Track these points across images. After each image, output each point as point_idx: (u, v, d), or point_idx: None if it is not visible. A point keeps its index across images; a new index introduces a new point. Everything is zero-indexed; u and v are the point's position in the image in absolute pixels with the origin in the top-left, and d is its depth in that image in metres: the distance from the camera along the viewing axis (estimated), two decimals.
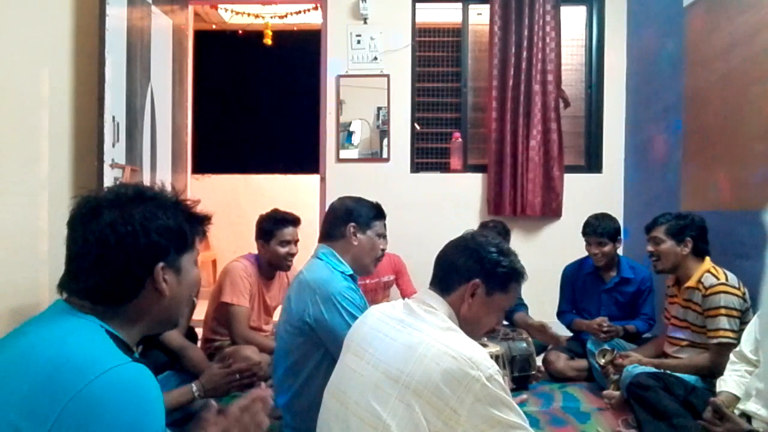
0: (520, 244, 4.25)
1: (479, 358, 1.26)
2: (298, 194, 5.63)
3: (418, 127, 4.42)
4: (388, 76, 4.29)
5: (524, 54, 4.17)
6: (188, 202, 1.11)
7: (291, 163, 5.78)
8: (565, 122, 4.30)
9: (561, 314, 3.38)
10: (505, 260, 1.46)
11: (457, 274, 1.45)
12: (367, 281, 3.55)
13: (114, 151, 2.91)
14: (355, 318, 1.84)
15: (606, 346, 2.81)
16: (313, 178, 4.64)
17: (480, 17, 4.42)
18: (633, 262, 3.27)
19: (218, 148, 5.88)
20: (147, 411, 0.91)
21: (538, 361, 3.17)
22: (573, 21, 4.43)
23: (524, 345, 2.99)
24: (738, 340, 2.18)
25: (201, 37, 5.07)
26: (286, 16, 5.40)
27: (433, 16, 4.54)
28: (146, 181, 3.35)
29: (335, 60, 4.30)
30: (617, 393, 2.49)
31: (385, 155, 4.32)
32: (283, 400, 2.07)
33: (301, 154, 5.30)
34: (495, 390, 1.25)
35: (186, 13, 4.17)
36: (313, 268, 2.06)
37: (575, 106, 4.43)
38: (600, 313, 3.16)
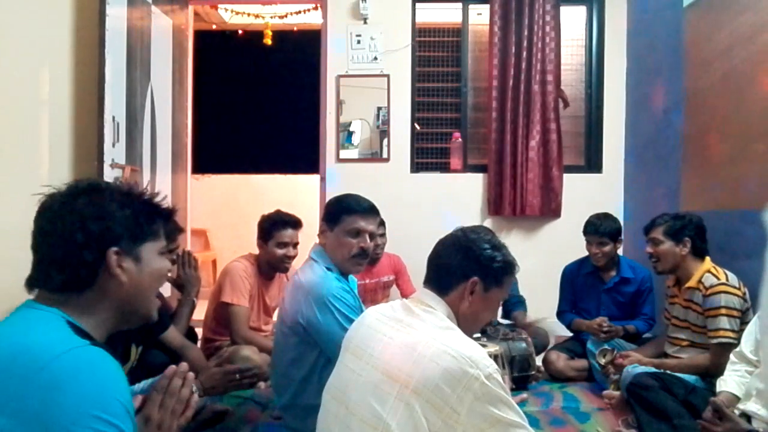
0: (520, 244, 4.25)
1: (478, 357, 1.26)
2: (298, 194, 5.63)
3: (418, 127, 4.42)
4: (388, 76, 4.29)
5: (524, 54, 4.17)
6: (146, 194, 1.13)
7: (291, 163, 5.77)
8: (565, 122, 4.30)
9: (561, 314, 3.38)
10: (499, 255, 1.47)
11: (454, 274, 1.45)
12: (367, 281, 3.55)
13: (114, 151, 2.91)
14: (348, 319, 1.84)
15: (606, 346, 2.81)
16: (313, 178, 4.64)
17: (480, 17, 4.42)
18: (633, 262, 3.27)
19: (218, 148, 5.88)
20: (110, 384, 0.94)
21: (538, 360, 3.17)
22: (573, 21, 4.43)
23: (524, 345, 2.98)
24: (738, 340, 2.18)
25: (201, 37, 5.07)
26: (286, 16, 5.40)
27: (433, 16, 4.54)
28: (146, 181, 3.35)
29: (335, 60, 4.30)
30: (617, 393, 2.50)
31: (385, 155, 4.32)
32: (282, 401, 2.07)
33: (301, 154, 5.30)
34: (494, 388, 1.25)
35: (186, 13, 4.17)
36: (307, 269, 2.06)
37: (575, 106, 4.43)
38: (600, 313, 3.16)
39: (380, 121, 4.31)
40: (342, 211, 2.04)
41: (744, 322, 2.31)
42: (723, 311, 2.34)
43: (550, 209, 4.22)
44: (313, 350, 1.94)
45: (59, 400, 0.88)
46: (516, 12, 4.19)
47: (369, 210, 2.07)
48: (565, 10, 4.30)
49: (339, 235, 2.03)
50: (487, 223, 4.21)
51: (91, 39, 2.78)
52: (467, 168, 4.37)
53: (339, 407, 1.38)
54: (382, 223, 3.62)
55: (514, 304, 3.51)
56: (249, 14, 5.40)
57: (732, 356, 2.13)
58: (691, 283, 2.50)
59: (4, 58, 2.20)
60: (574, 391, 2.94)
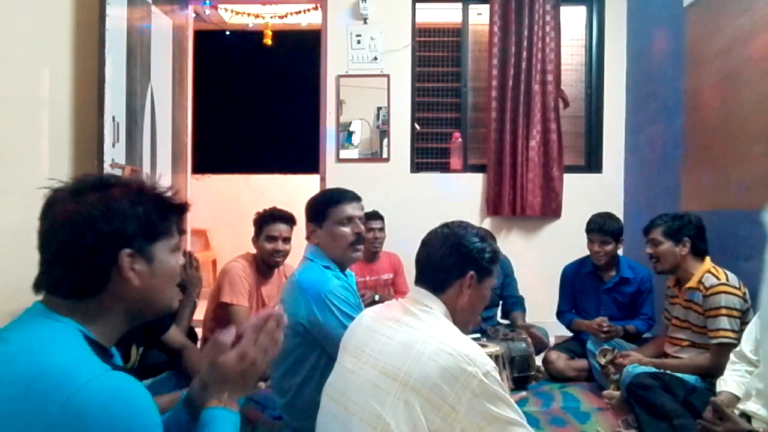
0: (520, 244, 4.26)
1: (476, 355, 1.27)
2: (298, 194, 5.58)
3: (418, 127, 4.42)
4: (388, 76, 4.29)
5: (524, 54, 4.17)
6: (158, 189, 1.05)
7: (291, 163, 5.77)
8: (565, 122, 4.30)
9: (560, 314, 3.38)
10: (488, 246, 1.50)
11: (450, 272, 1.46)
12: (367, 278, 3.56)
13: (114, 151, 2.91)
14: (348, 316, 1.84)
15: (606, 346, 2.81)
16: (313, 178, 4.64)
17: (480, 17, 4.42)
18: (632, 262, 3.27)
19: (218, 148, 5.88)
20: (135, 417, 0.89)
21: (538, 360, 3.17)
22: (573, 21, 4.43)
23: (523, 345, 2.98)
24: (738, 340, 2.18)
25: (201, 37, 5.07)
26: (286, 16, 5.39)
27: (433, 16, 4.54)
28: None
29: (335, 60, 4.30)
30: (617, 393, 2.50)
31: (385, 155, 4.32)
32: (283, 401, 2.07)
33: (301, 154, 5.30)
34: (492, 386, 1.25)
35: (186, 13, 4.17)
36: (304, 269, 2.06)
37: (575, 106, 4.43)
38: (600, 313, 3.16)
39: (380, 121, 4.31)
40: (327, 205, 2.06)
41: (744, 323, 2.31)
42: (723, 311, 2.34)
43: (551, 209, 4.22)
44: (315, 350, 1.95)
45: None
46: (516, 12, 4.19)
47: (353, 197, 2.09)
48: (565, 10, 4.31)
49: (331, 228, 2.03)
50: (487, 223, 4.22)
51: (91, 39, 2.78)
52: (467, 168, 4.37)
53: (338, 408, 1.38)
54: (380, 218, 3.63)
55: (513, 305, 3.51)
56: (249, 14, 5.40)
57: (732, 356, 2.13)
58: (692, 283, 2.50)
59: (4, 58, 2.20)
60: (574, 391, 2.94)
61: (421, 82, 4.42)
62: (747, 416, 1.90)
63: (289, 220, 3.04)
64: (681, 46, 3.42)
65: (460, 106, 4.43)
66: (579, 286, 3.33)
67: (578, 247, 3.30)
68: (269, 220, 3.00)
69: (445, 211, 4.19)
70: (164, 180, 3.68)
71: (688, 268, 2.54)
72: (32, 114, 2.42)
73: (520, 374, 2.90)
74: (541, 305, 3.57)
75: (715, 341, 2.35)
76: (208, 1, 4.70)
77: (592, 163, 4.42)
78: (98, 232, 0.96)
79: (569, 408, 2.68)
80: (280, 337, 1.13)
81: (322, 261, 2.04)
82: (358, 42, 4.29)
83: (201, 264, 5.73)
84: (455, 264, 1.46)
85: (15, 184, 2.25)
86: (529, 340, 3.06)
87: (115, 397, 0.87)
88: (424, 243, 1.54)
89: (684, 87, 3.39)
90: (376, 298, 3.43)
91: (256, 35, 5.58)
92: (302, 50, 5.26)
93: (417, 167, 4.41)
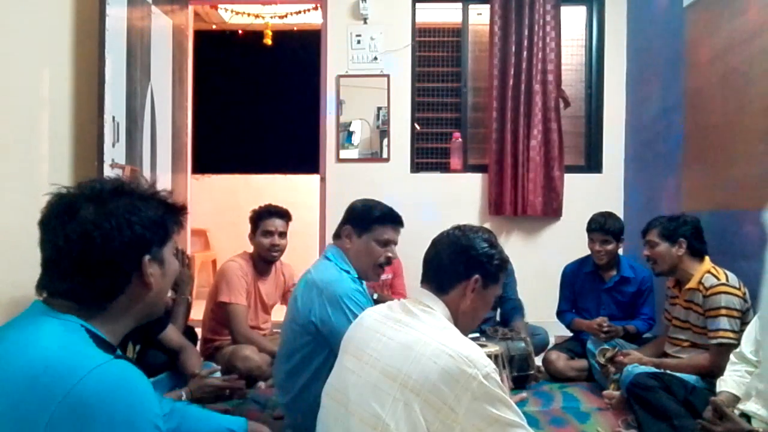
0: (520, 244, 4.26)
1: (476, 357, 1.27)
2: (298, 194, 5.62)
3: (418, 127, 4.42)
4: (388, 76, 4.29)
5: (524, 54, 4.17)
6: (163, 193, 1.09)
7: (291, 163, 5.77)
8: (565, 122, 4.30)
9: (560, 313, 3.38)
10: (497, 253, 1.50)
11: (455, 274, 1.46)
12: None
13: (114, 151, 2.91)
14: None
15: (606, 346, 2.81)
16: (313, 178, 4.64)
17: (480, 17, 4.42)
18: (633, 262, 3.27)
19: (218, 148, 5.88)
20: (138, 403, 0.90)
21: (538, 360, 3.17)
22: (573, 21, 4.43)
23: (522, 345, 2.98)
24: (738, 340, 2.18)
25: (201, 37, 5.07)
26: (286, 16, 5.40)
27: (433, 16, 4.54)
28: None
29: (335, 60, 4.30)
30: (617, 393, 2.49)
31: (385, 155, 4.32)
32: (285, 400, 2.07)
33: (301, 154, 5.29)
34: (492, 388, 1.25)
35: (186, 13, 4.17)
36: (321, 268, 2.05)
37: (575, 106, 4.43)
38: (600, 312, 3.16)
39: (380, 121, 4.31)
40: (375, 220, 2.06)
41: (744, 323, 2.30)
42: (723, 312, 2.34)
43: (551, 209, 4.22)
44: (323, 350, 1.94)
45: (89, 426, 0.85)
46: (516, 12, 4.19)
47: (400, 222, 2.13)
48: (565, 10, 4.30)
49: (368, 243, 2.05)
50: (488, 224, 4.21)
51: (91, 39, 2.78)
52: (467, 168, 4.37)
53: (338, 408, 1.38)
54: None
55: (512, 310, 3.40)
56: (249, 14, 5.40)
57: (732, 357, 2.13)
58: (692, 284, 2.50)
59: (4, 58, 2.20)
60: (574, 391, 2.94)
61: (421, 82, 4.42)
62: (747, 416, 1.89)
63: (284, 215, 3.06)
64: (681, 46, 3.42)
65: (460, 106, 4.43)
66: (579, 286, 3.32)
67: (579, 247, 3.30)
68: (265, 215, 3.02)
69: (445, 211, 4.23)
70: (164, 180, 3.68)
71: (687, 269, 2.54)
72: (32, 114, 2.42)
73: (519, 373, 2.90)
74: (541, 305, 3.56)
75: (715, 342, 2.35)
76: None
77: (592, 163, 4.42)
78: (124, 239, 0.98)
79: (569, 408, 2.68)
80: None
81: (341, 263, 2.04)
82: (358, 42, 4.29)
83: (201, 264, 5.75)
84: (461, 266, 1.46)
85: (15, 184, 2.25)
86: (528, 339, 3.06)
87: (117, 385, 0.88)
88: (434, 243, 1.54)
89: (684, 87, 3.39)
90: (375, 296, 3.43)
91: (256, 35, 5.58)
92: (302, 50, 5.26)
93: (417, 167, 4.40)
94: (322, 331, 1.93)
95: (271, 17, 5.45)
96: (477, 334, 2.96)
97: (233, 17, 5.57)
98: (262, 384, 2.80)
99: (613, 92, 4.33)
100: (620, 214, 4.06)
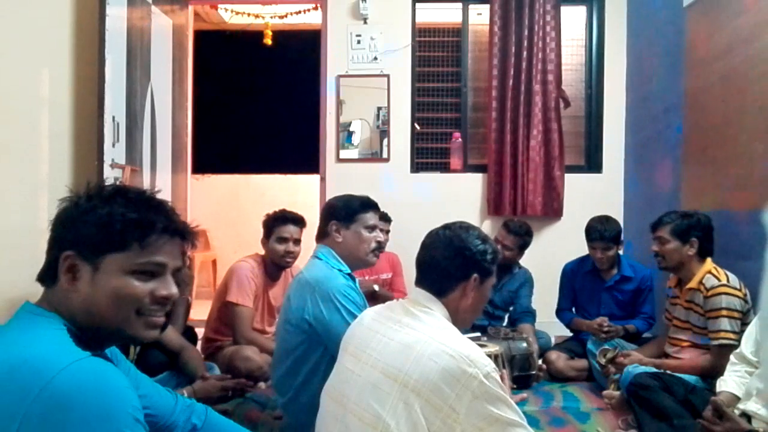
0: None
1: (476, 356, 1.27)
2: (298, 194, 5.63)
3: (418, 127, 4.42)
4: (388, 76, 4.29)
5: (524, 54, 4.17)
6: (131, 196, 1.06)
7: (291, 163, 5.77)
8: (565, 122, 4.30)
9: (560, 312, 3.38)
10: (489, 247, 1.50)
11: (453, 276, 1.46)
12: (366, 277, 3.56)
13: (114, 151, 2.91)
14: (353, 315, 1.85)
15: (606, 346, 2.81)
16: (313, 178, 4.64)
17: (480, 17, 4.42)
18: (633, 261, 3.27)
19: (218, 148, 5.88)
20: (115, 396, 0.90)
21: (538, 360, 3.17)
22: (573, 21, 4.43)
23: (524, 345, 2.98)
24: (739, 341, 2.18)
25: (201, 37, 5.07)
26: (286, 16, 5.40)
27: (433, 16, 4.54)
28: (146, 181, 3.35)
29: (335, 60, 4.30)
30: (617, 393, 2.49)
31: (385, 155, 4.32)
32: (283, 400, 2.07)
33: (301, 154, 5.30)
34: (493, 387, 1.25)
35: (186, 13, 4.17)
36: (312, 267, 2.07)
37: (575, 106, 4.43)
38: (600, 311, 3.16)
39: (380, 121, 4.31)
40: (357, 210, 2.11)
41: (745, 324, 2.30)
42: (724, 312, 2.34)
43: (552, 209, 4.21)
44: (318, 348, 1.95)
45: (64, 421, 0.86)
46: (516, 12, 4.19)
47: (377, 207, 2.19)
48: (565, 10, 4.30)
49: (358, 231, 2.10)
50: (488, 224, 4.22)
51: (91, 39, 2.78)
52: (467, 168, 4.37)
53: (338, 408, 1.38)
54: (389, 220, 3.64)
55: (522, 314, 3.40)
56: (249, 14, 5.40)
57: (732, 357, 2.13)
58: (692, 284, 2.50)
59: (4, 58, 2.20)
60: (574, 391, 2.94)
61: (421, 82, 4.42)
62: (747, 416, 1.89)
63: (299, 221, 3.02)
64: (681, 46, 3.42)
65: (460, 106, 4.43)
66: (579, 285, 3.32)
67: (579, 247, 3.30)
68: (280, 221, 2.98)
69: (445, 211, 4.20)
70: (164, 180, 3.68)
71: (691, 269, 2.53)
72: (32, 114, 2.42)
73: (520, 373, 2.90)
74: (541, 305, 3.56)
75: (715, 342, 2.34)
76: None
77: (592, 163, 4.42)
78: (63, 229, 1.04)
79: (569, 408, 2.68)
80: None
81: (332, 261, 2.06)
82: (358, 42, 4.29)
83: (201, 264, 5.74)
84: (459, 268, 1.46)
85: (15, 184, 2.25)
86: (530, 339, 3.06)
87: (92, 380, 0.90)
88: (426, 245, 1.53)
89: (684, 87, 3.39)
90: (376, 288, 3.44)
91: (256, 35, 5.58)
92: (302, 50, 5.25)
93: (417, 167, 4.40)
94: (316, 328, 1.94)
95: (271, 17, 5.45)
96: (478, 334, 2.96)
97: (233, 17, 5.58)
98: (262, 384, 2.79)
99: (613, 92, 4.33)
100: (620, 214, 4.07)
